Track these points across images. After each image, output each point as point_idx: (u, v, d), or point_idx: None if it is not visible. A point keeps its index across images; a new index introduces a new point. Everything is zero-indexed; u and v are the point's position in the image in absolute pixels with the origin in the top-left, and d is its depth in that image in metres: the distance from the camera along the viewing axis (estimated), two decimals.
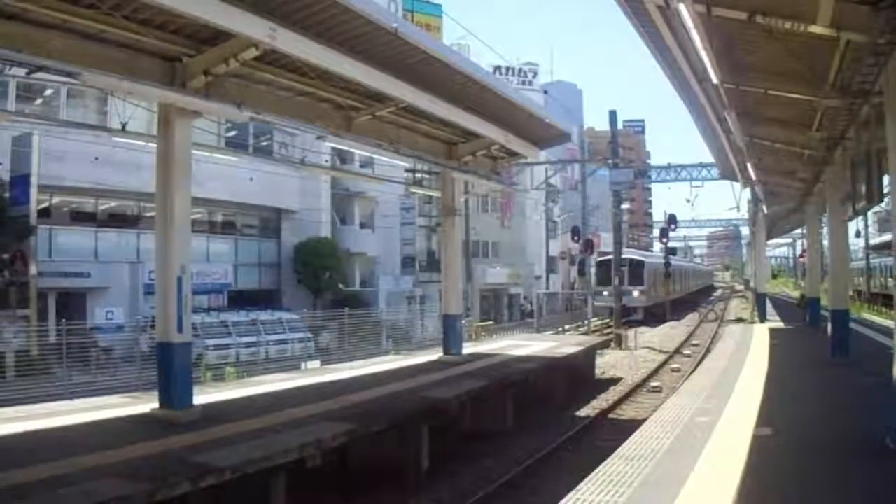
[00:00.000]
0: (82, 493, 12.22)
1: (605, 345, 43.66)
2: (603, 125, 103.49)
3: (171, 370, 18.64)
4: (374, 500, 18.84)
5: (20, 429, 17.28)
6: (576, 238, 73.16)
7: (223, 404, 20.78)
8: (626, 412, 30.49)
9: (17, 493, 12.26)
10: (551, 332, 59.37)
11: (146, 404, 19.44)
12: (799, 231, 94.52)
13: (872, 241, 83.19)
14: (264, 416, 18.98)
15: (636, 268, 79.16)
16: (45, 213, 45.42)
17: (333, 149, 35.70)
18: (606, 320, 70.23)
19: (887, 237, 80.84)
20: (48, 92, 47.04)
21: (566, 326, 70.47)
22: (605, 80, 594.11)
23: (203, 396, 20.65)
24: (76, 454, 14.48)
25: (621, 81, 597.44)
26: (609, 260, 71.38)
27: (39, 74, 17.45)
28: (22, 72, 17.15)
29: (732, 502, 11.79)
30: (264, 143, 56.53)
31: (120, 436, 16.57)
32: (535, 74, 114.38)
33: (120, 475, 13.23)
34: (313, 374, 28.57)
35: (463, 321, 37.14)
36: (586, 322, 70.28)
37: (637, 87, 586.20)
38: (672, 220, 77.79)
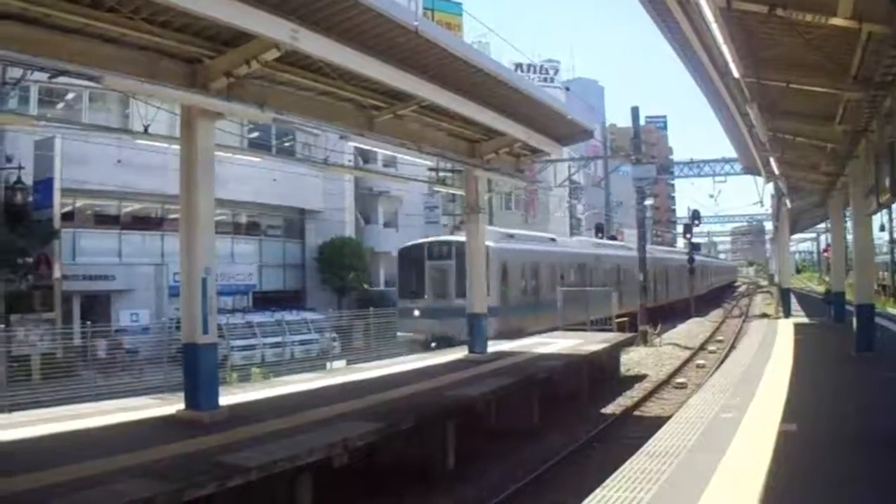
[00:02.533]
0: (108, 494, 12.24)
1: (629, 342, 43.44)
2: (625, 122, 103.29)
3: (197, 371, 18.68)
4: (401, 498, 18.83)
5: (46, 431, 17.33)
6: (600, 235, 72.92)
7: (249, 405, 20.82)
8: (652, 409, 30.46)
9: (43, 494, 12.30)
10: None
11: (172, 406, 19.48)
12: (823, 225, 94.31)
13: None
14: (290, 416, 19.00)
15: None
16: (68, 217, 45.67)
17: (356, 149, 35.83)
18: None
19: None
20: (70, 96, 47.24)
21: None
22: (627, 76, 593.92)
23: (229, 397, 20.68)
24: (102, 456, 14.50)
25: (643, 77, 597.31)
26: (420, 246, 46.84)
27: (62, 78, 17.55)
28: (43, 76, 17.24)
29: (758, 498, 11.77)
30: (287, 144, 56.67)
31: (146, 437, 16.63)
32: (556, 71, 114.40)
33: (146, 476, 13.25)
34: (339, 374, 28.61)
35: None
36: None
37: (659, 83, 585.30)
38: (695, 215, 77.55)
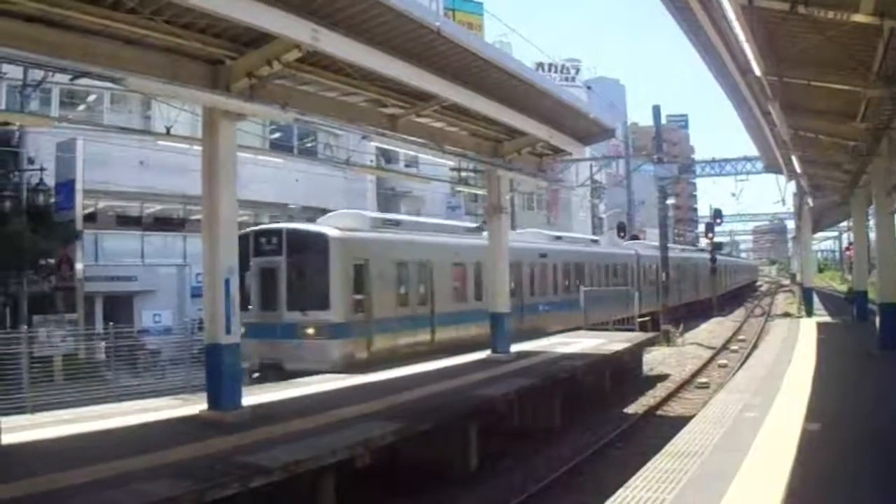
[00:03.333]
0: (132, 494, 12.29)
1: (652, 342, 43.28)
2: (646, 121, 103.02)
3: (220, 372, 18.77)
4: (423, 499, 18.83)
5: (69, 431, 17.38)
6: (622, 234, 72.69)
7: (271, 405, 20.81)
8: (674, 408, 30.47)
9: (67, 494, 12.35)
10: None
11: (194, 406, 19.51)
12: (845, 224, 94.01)
13: None
14: (312, 416, 19.02)
15: (302, 256, 31.45)
16: (90, 218, 45.60)
17: (378, 149, 35.65)
18: None
19: None
20: (91, 98, 47.34)
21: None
22: (648, 75, 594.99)
23: (251, 397, 20.66)
24: (125, 456, 14.55)
25: (664, 76, 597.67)
26: (245, 238, 29.15)
27: (83, 80, 17.60)
28: (65, 78, 17.28)
29: (781, 498, 11.75)
30: (309, 145, 56.72)
31: (169, 437, 16.65)
32: (577, 71, 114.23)
33: (169, 476, 13.30)
34: (360, 374, 28.56)
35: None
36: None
37: (680, 82, 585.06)
38: (717, 214, 77.41)
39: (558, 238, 55.80)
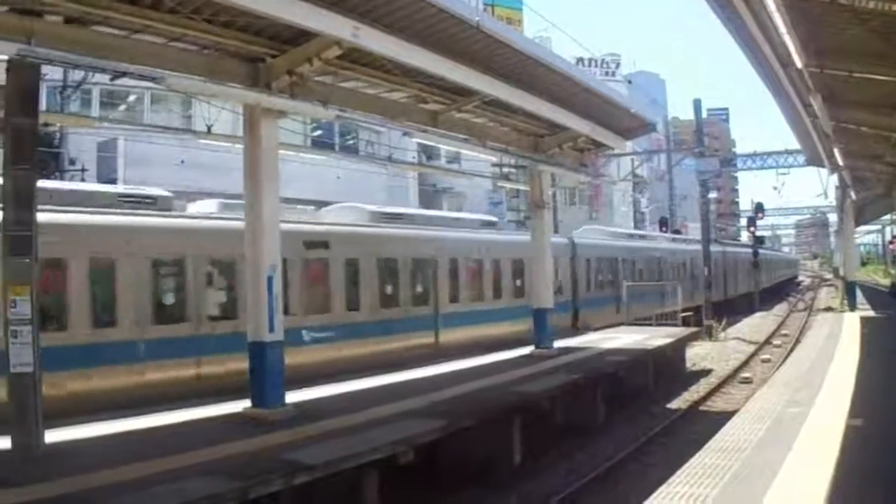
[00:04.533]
0: (175, 492, 12.34)
1: (695, 337, 43.05)
2: (687, 115, 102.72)
3: (263, 369, 18.78)
4: (466, 495, 18.80)
5: (112, 429, 17.43)
6: (664, 229, 72.47)
7: (313, 402, 20.77)
8: (717, 404, 30.33)
9: (110, 491, 12.41)
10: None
11: (238, 403, 19.54)
12: (888, 217, 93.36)
13: None
14: (355, 413, 19.02)
15: None
16: None
17: (419, 145, 35.57)
18: None
19: None
20: (131, 98, 47.49)
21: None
22: (688, 69, 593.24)
23: (293, 395, 20.65)
24: (168, 453, 14.65)
25: (704, 70, 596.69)
26: None
27: (123, 80, 17.63)
28: (105, 78, 17.32)
29: (825, 494, 11.68)
30: (350, 142, 56.72)
31: (212, 435, 16.69)
32: (617, 65, 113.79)
33: (212, 473, 13.37)
34: (402, 371, 28.53)
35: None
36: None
37: (720, 75, 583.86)
38: (759, 208, 77.02)
39: (396, 216, 35.34)
